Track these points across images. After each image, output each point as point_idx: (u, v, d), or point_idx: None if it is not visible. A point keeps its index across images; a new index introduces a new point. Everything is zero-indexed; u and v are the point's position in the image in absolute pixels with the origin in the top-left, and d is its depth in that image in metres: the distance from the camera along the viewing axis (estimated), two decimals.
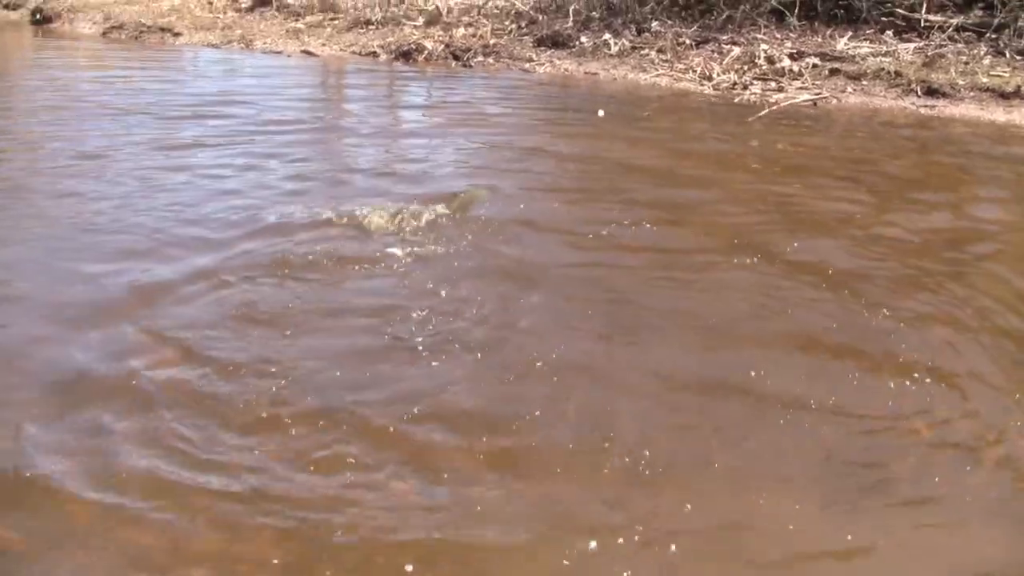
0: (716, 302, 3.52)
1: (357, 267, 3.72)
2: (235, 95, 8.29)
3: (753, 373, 2.93)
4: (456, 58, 11.09)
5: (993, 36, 9.21)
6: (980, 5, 9.83)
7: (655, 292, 3.60)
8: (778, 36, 10.21)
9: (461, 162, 5.80)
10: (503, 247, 4.01)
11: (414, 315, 3.26)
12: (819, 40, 9.94)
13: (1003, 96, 7.98)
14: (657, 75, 10.16)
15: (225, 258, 3.79)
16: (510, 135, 6.83)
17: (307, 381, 2.81)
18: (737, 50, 10.02)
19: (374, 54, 11.49)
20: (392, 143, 6.45)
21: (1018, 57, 8.76)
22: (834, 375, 2.98)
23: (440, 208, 4.44)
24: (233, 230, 4.16)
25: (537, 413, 2.67)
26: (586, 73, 10.77)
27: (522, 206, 4.70)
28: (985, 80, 8.30)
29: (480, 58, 11.08)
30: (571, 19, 12.07)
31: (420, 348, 3.03)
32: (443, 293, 3.46)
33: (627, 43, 11.13)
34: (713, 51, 10.31)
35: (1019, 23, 9.17)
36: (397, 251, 3.86)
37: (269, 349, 3.00)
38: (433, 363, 2.94)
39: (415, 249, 3.89)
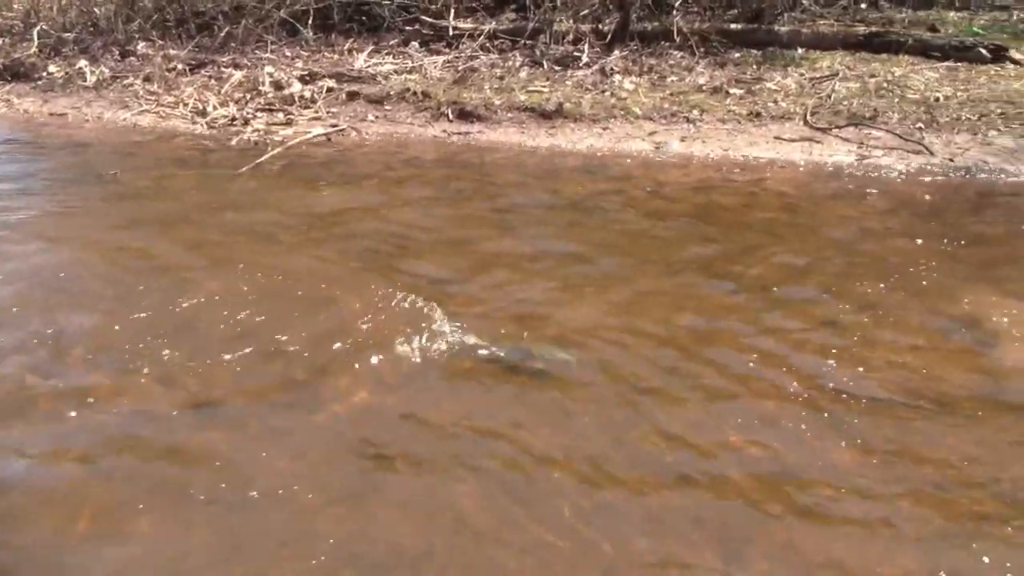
0: None
1: None
2: None
3: None
4: None
5: (529, 43, 7.94)
6: (512, 8, 8.59)
7: None
8: (288, 55, 8.15)
9: None
10: None
11: None
12: (336, 57, 8.02)
13: (544, 116, 6.60)
14: (140, 111, 7.63)
15: None
16: None
17: None
18: (239, 75, 7.79)
19: None
20: None
21: (557, 68, 7.52)
22: None
23: None
24: None
25: None
26: (52, 114, 8.03)
27: None
28: (523, 98, 6.90)
29: None
30: (36, 42, 9.11)
31: None
32: None
33: (107, 71, 8.47)
34: (211, 77, 7.99)
35: (555, 27, 7.99)
36: None
37: None
38: None
39: None
